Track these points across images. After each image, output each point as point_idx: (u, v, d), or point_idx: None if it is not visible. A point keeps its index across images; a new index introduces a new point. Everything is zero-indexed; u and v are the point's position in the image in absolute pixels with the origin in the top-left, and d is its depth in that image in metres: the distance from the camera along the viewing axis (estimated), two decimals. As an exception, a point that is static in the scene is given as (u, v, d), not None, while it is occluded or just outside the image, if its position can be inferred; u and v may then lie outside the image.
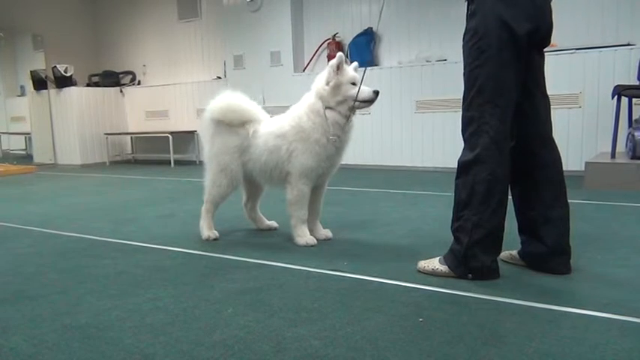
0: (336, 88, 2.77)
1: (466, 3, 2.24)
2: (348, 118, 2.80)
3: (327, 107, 2.79)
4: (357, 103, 2.77)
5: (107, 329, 1.84)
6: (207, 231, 3.12)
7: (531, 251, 2.33)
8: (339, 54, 2.80)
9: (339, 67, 2.76)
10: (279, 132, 2.89)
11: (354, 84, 2.78)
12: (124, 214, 4.10)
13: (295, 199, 2.89)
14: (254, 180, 3.13)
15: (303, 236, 2.92)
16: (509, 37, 2.09)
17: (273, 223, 3.37)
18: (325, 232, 3.05)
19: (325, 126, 2.77)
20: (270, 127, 2.95)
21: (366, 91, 2.77)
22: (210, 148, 3.10)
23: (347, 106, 2.78)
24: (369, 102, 2.81)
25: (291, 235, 2.96)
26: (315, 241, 2.92)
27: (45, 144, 8.96)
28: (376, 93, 2.78)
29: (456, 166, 2.25)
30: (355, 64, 2.90)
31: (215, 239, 3.09)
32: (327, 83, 2.79)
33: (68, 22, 9.55)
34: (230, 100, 3.04)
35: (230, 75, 7.83)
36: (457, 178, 2.24)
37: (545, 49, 2.27)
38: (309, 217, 2.98)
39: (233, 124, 3.01)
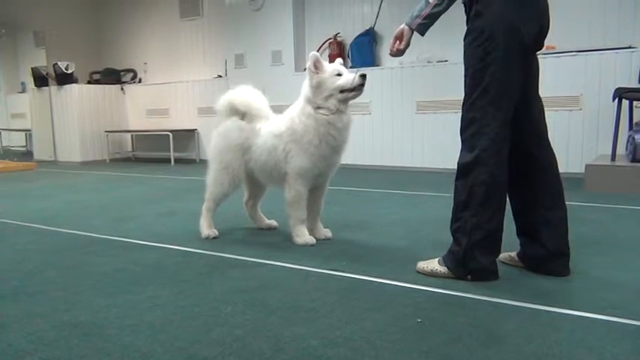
0: (320, 85, 2.76)
1: (464, 4, 2.24)
2: (340, 112, 2.76)
3: (317, 108, 2.77)
4: (344, 94, 2.73)
5: (106, 327, 1.84)
6: (207, 229, 3.12)
7: (530, 253, 2.34)
8: (312, 54, 2.79)
9: (316, 66, 2.76)
10: (277, 132, 2.88)
11: (339, 75, 2.76)
12: (123, 212, 4.10)
13: (293, 200, 2.89)
14: (256, 179, 3.13)
15: (302, 236, 2.92)
16: (517, 39, 2.09)
17: (273, 223, 3.36)
18: (325, 232, 3.05)
19: (317, 127, 2.75)
20: (269, 127, 2.95)
21: (352, 77, 2.73)
22: (214, 146, 3.11)
23: (336, 100, 2.75)
24: (359, 87, 2.74)
25: (291, 235, 2.96)
26: (314, 240, 2.92)
27: (45, 141, 8.96)
28: (363, 77, 2.72)
29: (456, 168, 2.25)
30: (339, 60, 2.91)
31: (215, 238, 3.09)
32: (312, 86, 2.78)
33: (70, 19, 9.55)
34: (240, 93, 3.09)
35: (231, 74, 7.84)
36: (456, 179, 2.24)
37: (546, 52, 2.27)
38: (309, 217, 2.99)
39: (239, 114, 3.06)
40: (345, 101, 2.77)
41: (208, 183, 3.14)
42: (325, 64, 2.81)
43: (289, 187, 2.88)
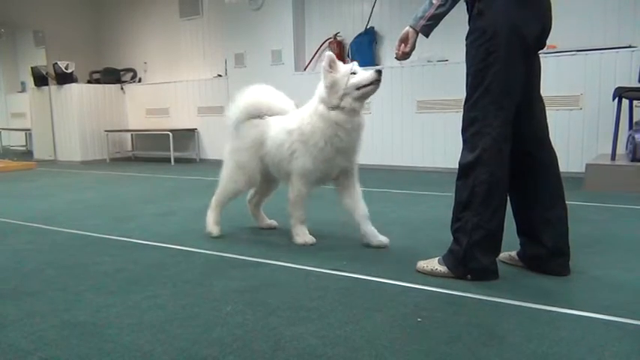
0: (334, 84, 2.69)
1: (466, 3, 2.23)
2: (354, 112, 2.70)
3: (332, 108, 2.71)
4: (361, 90, 2.66)
5: (106, 326, 1.84)
6: (212, 225, 3.11)
7: (530, 252, 2.34)
8: (327, 53, 2.76)
9: (331, 66, 2.71)
10: (288, 128, 2.85)
11: (353, 74, 2.70)
12: (123, 212, 4.10)
13: (294, 200, 2.89)
14: (270, 176, 3.10)
15: (302, 235, 2.92)
16: (519, 39, 2.09)
17: (273, 222, 3.36)
18: (375, 235, 2.85)
19: (324, 129, 2.71)
20: (283, 122, 2.92)
21: (367, 74, 2.68)
22: (230, 145, 3.09)
23: (351, 98, 2.67)
24: (375, 83, 2.66)
25: (291, 234, 2.96)
26: (314, 240, 2.91)
27: (45, 140, 8.96)
28: (379, 72, 2.66)
29: (457, 168, 2.24)
30: (355, 62, 2.82)
31: (217, 237, 3.08)
32: (326, 85, 2.73)
33: (69, 18, 9.55)
34: (255, 96, 3.04)
35: (231, 73, 7.84)
36: (458, 179, 2.24)
37: (546, 51, 2.27)
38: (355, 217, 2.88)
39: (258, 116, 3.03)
40: (361, 99, 2.70)
41: (222, 178, 3.11)
42: (340, 64, 2.75)
43: (292, 187, 2.88)
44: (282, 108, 3.03)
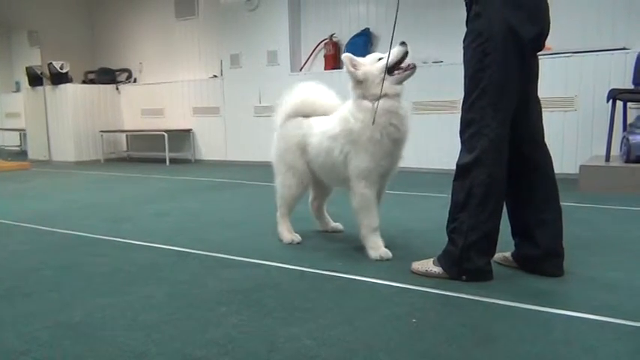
0: (367, 77, 2.54)
1: (465, 5, 2.24)
2: (398, 97, 2.52)
3: (374, 100, 2.51)
4: (396, 75, 2.51)
5: (100, 327, 1.84)
6: (288, 235, 2.98)
7: (525, 253, 2.34)
8: (344, 55, 2.62)
9: (354, 65, 2.57)
10: (331, 133, 2.68)
11: (380, 59, 2.57)
12: (118, 212, 4.09)
13: (359, 206, 2.63)
14: (319, 179, 2.97)
15: (377, 248, 2.63)
16: (515, 41, 2.10)
17: (339, 226, 3.23)
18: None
19: (377, 119, 2.49)
20: (323, 127, 2.77)
21: (393, 50, 2.49)
22: (275, 148, 2.98)
23: (389, 82, 2.50)
24: (404, 59, 2.50)
25: (364, 247, 2.68)
26: (390, 254, 2.62)
27: (40, 140, 8.93)
28: (403, 43, 2.50)
29: (455, 169, 2.24)
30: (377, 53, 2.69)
31: (298, 243, 2.95)
32: (359, 82, 2.57)
33: (64, 18, 9.51)
34: (306, 94, 2.94)
35: (227, 74, 7.83)
36: (455, 180, 2.24)
37: (541, 52, 2.28)
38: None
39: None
40: (399, 82, 2.53)
41: (277, 188, 3.00)
42: (361, 58, 2.63)
43: (353, 193, 2.64)
44: (332, 106, 2.85)
